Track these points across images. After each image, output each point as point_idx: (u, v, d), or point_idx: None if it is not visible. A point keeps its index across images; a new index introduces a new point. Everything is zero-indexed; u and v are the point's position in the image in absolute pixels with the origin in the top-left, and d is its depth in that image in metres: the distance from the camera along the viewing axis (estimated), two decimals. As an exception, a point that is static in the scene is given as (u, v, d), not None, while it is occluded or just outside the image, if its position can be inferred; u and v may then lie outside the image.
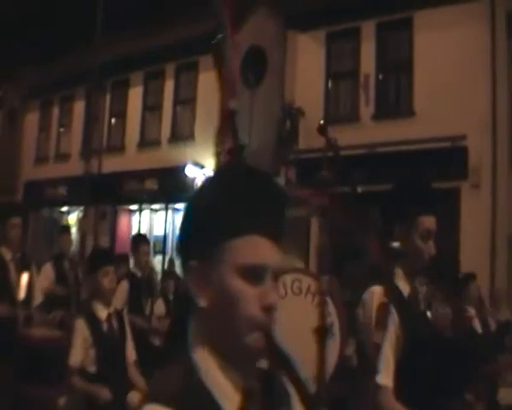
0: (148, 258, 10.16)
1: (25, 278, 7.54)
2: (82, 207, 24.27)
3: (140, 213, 25.80)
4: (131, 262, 11.19)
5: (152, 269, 21.85)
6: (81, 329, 5.92)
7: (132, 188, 24.87)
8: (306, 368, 7.11)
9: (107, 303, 6.18)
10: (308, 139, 19.49)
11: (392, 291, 3.87)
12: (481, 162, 16.85)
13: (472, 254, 16.37)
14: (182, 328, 1.85)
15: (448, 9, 17.50)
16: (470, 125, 16.80)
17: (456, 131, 16.87)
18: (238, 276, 1.70)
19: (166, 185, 23.36)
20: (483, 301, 12.09)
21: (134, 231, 25.87)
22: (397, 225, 4.00)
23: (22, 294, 7.44)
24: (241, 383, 1.74)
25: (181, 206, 24.40)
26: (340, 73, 20.69)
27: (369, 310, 3.90)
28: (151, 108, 25.99)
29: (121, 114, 27.02)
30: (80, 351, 5.84)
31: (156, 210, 25.62)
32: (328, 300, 7.18)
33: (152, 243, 24.94)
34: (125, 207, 26.54)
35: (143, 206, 25.58)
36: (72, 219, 28.23)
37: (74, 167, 26.36)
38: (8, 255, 7.80)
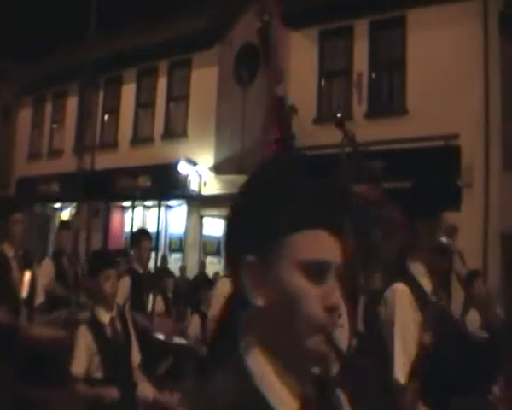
0: (149, 254, 9.90)
1: (27, 276, 7.34)
2: (75, 204, 24.25)
3: (133, 210, 25.77)
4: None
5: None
6: (84, 336, 5.74)
7: (125, 185, 24.83)
8: None
9: (110, 307, 5.99)
10: (301, 137, 19.52)
11: (415, 289, 3.84)
12: (474, 161, 16.88)
13: (464, 253, 16.36)
14: (229, 329, 1.71)
15: (441, 8, 17.52)
16: (463, 123, 16.82)
17: (448, 130, 16.89)
18: (299, 273, 1.58)
19: (159, 182, 23.33)
20: (490, 297, 12.07)
21: (127, 228, 25.91)
22: (420, 222, 3.97)
23: (25, 292, 7.25)
24: (298, 389, 1.62)
25: (174, 203, 24.43)
26: (333, 71, 20.69)
27: (391, 308, 3.88)
28: (144, 104, 25.96)
29: (114, 111, 26.98)
30: (84, 359, 5.66)
31: (149, 207, 25.58)
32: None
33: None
34: (118, 203, 26.53)
35: (136, 202, 25.55)
36: (65, 215, 28.18)
37: (67, 164, 26.33)
38: (10, 252, 7.54)
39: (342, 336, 7.19)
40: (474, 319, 8.53)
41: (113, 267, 6.13)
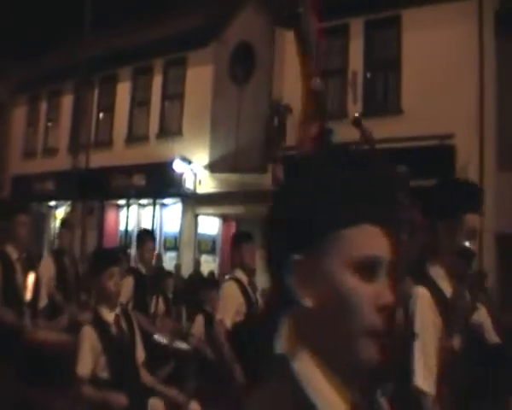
0: (153, 254, 9.80)
1: (31, 278, 7.23)
2: (70, 202, 24.29)
3: (128, 209, 25.71)
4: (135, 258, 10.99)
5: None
6: (88, 336, 5.59)
7: (120, 183, 24.80)
8: None
9: (113, 306, 5.86)
10: (296, 136, 19.51)
11: (435, 293, 3.79)
12: (469, 161, 16.88)
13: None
14: (271, 332, 1.59)
15: (436, 8, 17.53)
16: (458, 123, 16.83)
17: (443, 130, 16.90)
18: (351, 271, 1.49)
19: (154, 181, 23.32)
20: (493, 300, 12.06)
21: (122, 226, 25.90)
22: (439, 223, 3.91)
23: (29, 295, 7.14)
24: (347, 394, 1.52)
25: (169, 201, 24.42)
26: (328, 70, 20.63)
27: (410, 311, 3.84)
28: (139, 103, 25.94)
29: (109, 109, 26.98)
30: (89, 359, 5.51)
31: (144, 205, 25.56)
32: None
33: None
34: (113, 202, 26.51)
35: (131, 201, 25.48)
36: (60, 213, 28.17)
37: (62, 162, 26.34)
38: (14, 254, 7.37)
39: None
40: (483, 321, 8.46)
41: (116, 265, 5.98)
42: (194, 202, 22.91)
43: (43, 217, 28.72)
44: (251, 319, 7.47)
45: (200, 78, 22.92)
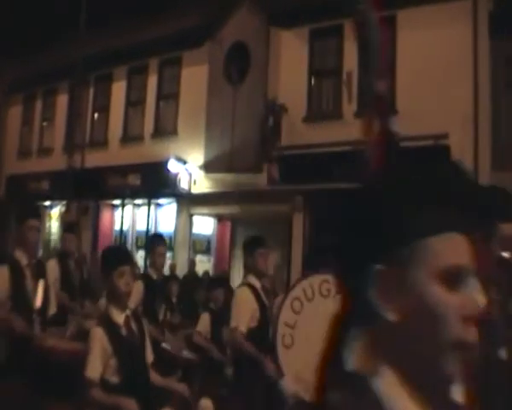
0: (164, 259, 9.47)
1: (41, 285, 7.02)
2: (65, 202, 24.30)
3: (123, 209, 25.74)
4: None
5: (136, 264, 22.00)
6: (99, 338, 5.38)
7: (115, 183, 24.78)
8: None
9: (123, 306, 5.65)
10: (291, 136, 19.55)
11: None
12: (463, 161, 16.89)
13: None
14: (343, 348, 1.48)
15: (431, 8, 17.56)
16: (452, 123, 16.84)
17: (438, 130, 16.92)
18: (438, 281, 1.41)
19: (149, 180, 23.31)
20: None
21: (117, 226, 25.90)
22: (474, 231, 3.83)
23: (39, 302, 6.95)
24: None
25: (164, 201, 24.41)
26: (323, 70, 20.70)
27: None
28: (134, 102, 25.90)
29: (104, 109, 26.93)
30: (99, 362, 5.30)
31: (139, 205, 25.56)
32: None
33: (134, 239, 25.05)
34: (108, 202, 26.48)
35: (126, 201, 25.51)
36: (55, 213, 28.17)
37: (57, 162, 26.36)
38: (23, 260, 7.08)
39: None
40: None
41: (127, 264, 5.79)
42: (189, 201, 22.92)
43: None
44: (264, 325, 7.50)
45: (195, 77, 22.92)
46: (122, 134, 25.64)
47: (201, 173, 22.18)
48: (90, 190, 24.59)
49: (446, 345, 1.39)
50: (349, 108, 19.13)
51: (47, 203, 28.60)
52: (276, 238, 20.37)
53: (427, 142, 17.04)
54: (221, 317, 10.73)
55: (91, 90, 27.18)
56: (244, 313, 7.39)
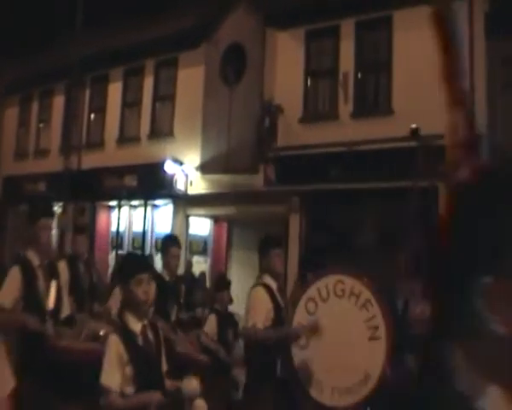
0: (178, 261, 9.26)
1: (54, 286, 6.84)
2: (61, 203, 24.24)
3: (119, 210, 25.71)
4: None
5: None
6: (115, 346, 5.26)
7: (111, 184, 24.78)
8: (352, 371, 7.08)
9: (141, 315, 5.50)
10: (287, 137, 19.55)
11: None
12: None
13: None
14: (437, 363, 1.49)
15: (427, 9, 17.48)
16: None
17: (434, 130, 16.92)
18: None
19: (146, 182, 23.31)
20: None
21: (113, 228, 25.88)
22: None
23: (51, 304, 6.76)
24: None
25: (160, 202, 24.40)
26: (320, 70, 20.70)
27: None
28: (130, 104, 25.87)
29: (100, 110, 26.89)
30: (116, 370, 5.17)
31: (135, 206, 25.53)
32: (374, 302, 7.07)
33: (131, 240, 25.03)
34: (104, 203, 26.44)
35: (122, 202, 25.48)
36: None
37: (53, 163, 26.36)
38: (36, 260, 6.95)
39: (379, 348, 7.12)
40: None
41: (145, 272, 5.62)
42: (185, 202, 22.90)
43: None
44: (279, 325, 7.48)
45: (191, 79, 22.91)
46: (118, 135, 25.61)
47: (198, 174, 22.17)
48: (87, 191, 24.60)
49: None
50: (345, 108, 19.16)
51: (43, 205, 28.56)
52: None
53: (422, 142, 17.07)
54: (227, 318, 10.75)
55: (87, 92, 27.13)
56: (260, 311, 7.32)
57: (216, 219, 23.44)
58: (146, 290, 5.47)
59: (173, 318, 8.90)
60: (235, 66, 21.63)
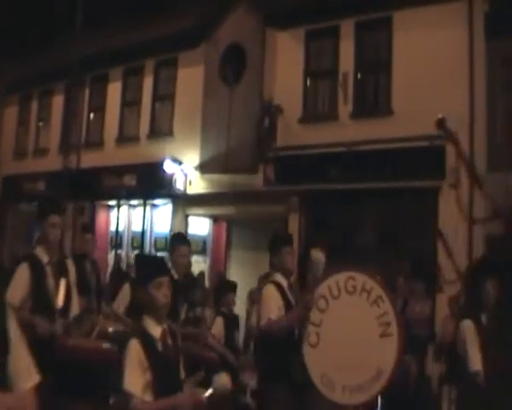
0: (186, 260, 9.17)
1: (63, 284, 6.79)
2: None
3: (118, 209, 25.72)
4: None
5: (132, 265, 21.96)
6: (136, 350, 5.02)
7: (111, 183, 24.77)
8: (364, 366, 7.05)
9: (160, 319, 5.29)
10: (287, 137, 19.55)
11: None
12: (459, 162, 16.90)
13: (451, 254, 16.46)
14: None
15: (427, 10, 17.56)
16: (448, 124, 16.85)
17: (434, 131, 16.93)
18: None
19: (145, 181, 23.32)
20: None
21: (112, 227, 25.88)
22: None
23: (61, 302, 6.70)
24: None
25: (159, 202, 24.40)
26: (319, 71, 20.68)
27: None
28: (130, 103, 25.83)
29: (100, 110, 26.85)
30: (139, 375, 4.93)
31: (134, 206, 25.52)
32: (385, 298, 7.01)
33: (130, 239, 25.03)
34: (104, 202, 26.41)
35: (122, 201, 25.48)
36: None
37: (53, 162, 26.36)
38: (44, 258, 6.87)
39: (391, 345, 7.09)
40: None
41: (166, 274, 5.44)
42: (184, 202, 22.89)
43: (34, 217, 28.67)
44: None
45: (190, 78, 22.90)
46: (118, 135, 25.59)
47: (197, 174, 22.16)
48: (86, 190, 24.61)
49: None
50: (345, 109, 19.15)
51: (42, 204, 28.56)
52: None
53: (422, 143, 17.07)
54: (234, 321, 10.72)
55: (87, 91, 27.12)
56: (272, 307, 7.28)
57: (215, 219, 23.43)
58: (166, 294, 5.28)
59: (183, 316, 8.87)
60: (234, 66, 21.61)
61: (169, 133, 23.53)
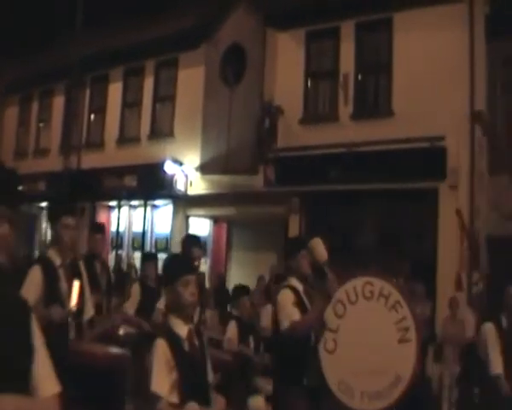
0: (199, 261, 9.14)
1: (76, 286, 6.56)
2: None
3: (119, 210, 25.72)
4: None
5: (133, 265, 21.95)
6: (163, 350, 4.92)
7: (111, 184, 24.76)
8: (383, 373, 7.02)
9: (187, 318, 5.23)
10: (287, 138, 19.55)
11: None
12: (459, 163, 16.91)
13: (450, 255, 16.47)
14: None
15: (427, 11, 17.56)
16: (448, 126, 16.86)
17: (434, 132, 16.93)
18: None
19: (145, 182, 23.30)
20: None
21: (113, 228, 25.87)
22: None
23: (74, 305, 6.50)
24: None
25: (160, 202, 24.40)
26: (320, 72, 20.68)
27: None
28: (130, 104, 25.84)
29: (100, 110, 26.85)
30: (166, 376, 4.82)
31: (135, 207, 25.51)
32: (403, 303, 7.01)
33: (131, 240, 25.02)
34: (104, 203, 26.42)
35: (122, 202, 25.48)
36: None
37: (53, 163, 26.37)
38: (57, 260, 6.76)
39: (409, 350, 7.05)
40: None
41: (192, 273, 5.36)
42: (185, 203, 22.90)
43: (34, 218, 28.70)
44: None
45: (191, 79, 22.90)
46: (118, 135, 25.59)
47: (198, 175, 22.16)
48: (87, 191, 24.55)
49: None
50: (345, 110, 19.15)
51: (43, 204, 28.58)
52: (272, 240, 20.40)
53: (423, 144, 17.07)
54: (247, 326, 10.68)
55: (88, 92, 27.12)
56: (292, 308, 7.21)
57: (216, 220, 23.43)
58: (193, 292, 5.20)
59: (197, 318, 8.78)
60: (235, 66, 21.61)
61: (169, 134, 23.54)
